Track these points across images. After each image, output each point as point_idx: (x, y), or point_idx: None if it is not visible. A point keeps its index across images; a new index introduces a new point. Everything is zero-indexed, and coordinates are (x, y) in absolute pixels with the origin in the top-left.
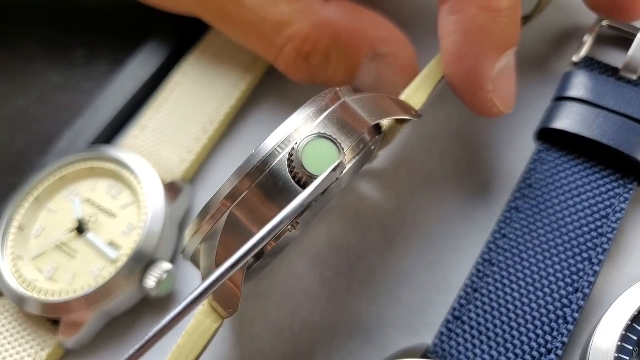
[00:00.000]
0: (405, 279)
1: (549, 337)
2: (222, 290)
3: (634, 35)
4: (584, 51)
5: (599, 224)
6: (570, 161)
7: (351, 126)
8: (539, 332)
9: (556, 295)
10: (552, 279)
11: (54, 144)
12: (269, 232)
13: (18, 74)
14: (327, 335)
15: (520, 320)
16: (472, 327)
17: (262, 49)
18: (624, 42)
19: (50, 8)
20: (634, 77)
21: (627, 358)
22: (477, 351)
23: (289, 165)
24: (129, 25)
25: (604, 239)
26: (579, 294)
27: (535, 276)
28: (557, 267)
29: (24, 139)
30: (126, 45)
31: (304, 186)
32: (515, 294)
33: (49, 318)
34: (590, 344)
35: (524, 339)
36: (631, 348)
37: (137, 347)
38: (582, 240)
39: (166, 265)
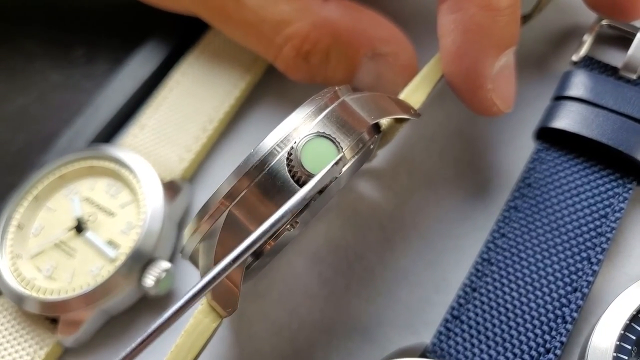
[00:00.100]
0: (404, 278)
1: (547, 337)
2: (221, 289)
3: (634, 35)
4: (583, 50)
5: (598, 223)
6: (569, 160)
7: (350, 125)
8: (538, 331)
9: (555, 295)
10: (551, 278)
11: (53, 142)
12: (270, 227)
13: (18, 73)
14: (326, 334)
15: (519, 320)
16: (470, 327)
17: (262, 48)
18: (624, 41)
19: (50, 8)
20: (634, 77)
21: (626, 357)
22: (476, 350)
23: (287, 164)
24: (128, 25)
25: (603, 239)
26: (578, 294)
27: (534, 275)
28: (556, 266)
29: (23, 137)
30: (126, 45)
31: (303, 185)
32: (514, 294)
33: (48, 317)
34: (589, 343)
35: (523, 338)
36: (630, 347)
37: (136, 343)
38: (581, 239)
39: (165, 264)
